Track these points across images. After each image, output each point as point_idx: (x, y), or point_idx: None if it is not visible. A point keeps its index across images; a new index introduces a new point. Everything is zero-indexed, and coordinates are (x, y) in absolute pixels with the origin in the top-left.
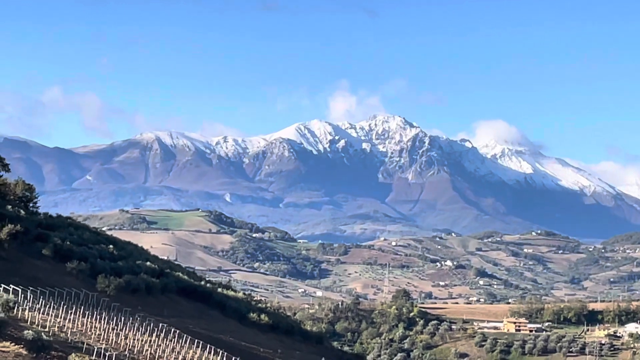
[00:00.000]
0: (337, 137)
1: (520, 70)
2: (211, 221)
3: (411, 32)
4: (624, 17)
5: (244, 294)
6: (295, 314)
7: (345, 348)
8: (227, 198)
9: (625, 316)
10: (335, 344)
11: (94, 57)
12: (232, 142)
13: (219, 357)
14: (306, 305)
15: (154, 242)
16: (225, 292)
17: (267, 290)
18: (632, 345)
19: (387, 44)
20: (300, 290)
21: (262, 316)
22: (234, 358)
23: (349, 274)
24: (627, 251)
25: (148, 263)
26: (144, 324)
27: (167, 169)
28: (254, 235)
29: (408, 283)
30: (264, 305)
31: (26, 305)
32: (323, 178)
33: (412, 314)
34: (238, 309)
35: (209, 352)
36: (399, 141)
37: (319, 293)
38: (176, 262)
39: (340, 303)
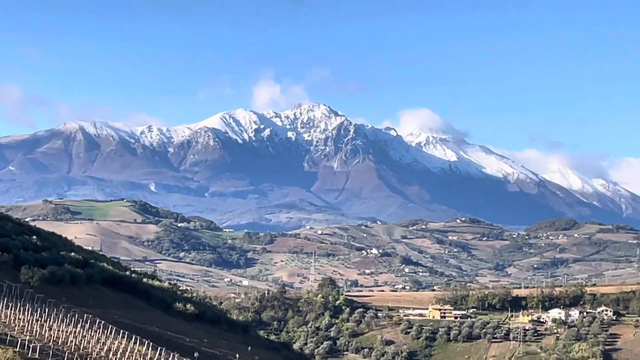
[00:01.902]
0: (262, 126)
1: (444, 59)
2: (136, 211)
3: (335, 20)
4: (542, 4)
5: (170, 283)
6: (221, 303)
7: (272, 337)
8: (152, 188)
9: (549, 302)
10: (261, 332)
11: (14, 47)
12: (157, 132)
13: (144, 348)
14: (232, 295)
15: (78, 233)
16: (150, 282)
17: (193, 279)
18: (555, 331)
19: (311, 32)
20: (226, 280)
21: (188, 306)
22: (159, 348)
23: (275, 262)
24: (550, 238)
25: (72, 254)
26: (69, 315)
27: (91, 159)
28: (179, 224)
29: (334, 271)
30: (189, 295)
31: None
32: (248, 167)
33: (338, 302)
34: (164, 299)
35: (135, 343)
36: (324, 130)
37: (245, 282)
38: (101, 253)
39: (266, 292)
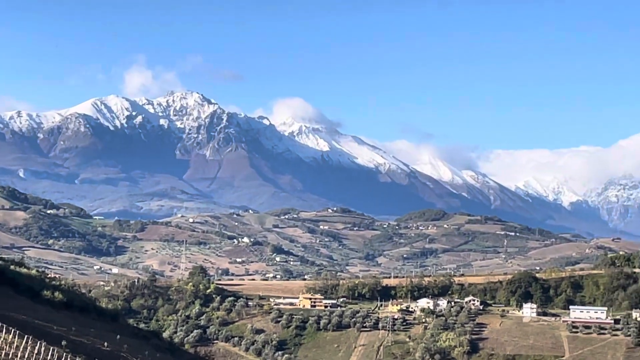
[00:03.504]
0: (134, 113)
1: (317, 49)
2: (4, 197)
3: (208, 7)
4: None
5: (38, 271)
6: (90, 291)
7: (141, 325)
8: (21, 174)
9: (418, 291)
10: (131, 321)
11: None
12: (26, 117)
13: (10, 336)
14: (102, 283)
15: None
16: (17, 269)
17: (62, 267)
18: (423, 320)
19: (183, 19)
20: (95, 267)
21: (56, 293)
22: (26, 336)
23: (146, 250)
24: (420, 228)
25: None
26: None
27: None
28: (48, 211)
29: (205, 260)
30: (58, 283)
31: None
32: (120, 154)
33: (208, 291)
34: (31, 287)
35: (0, 331)
36: (197, 118)
37: (115, 270)
38: None
39: (136, 280)
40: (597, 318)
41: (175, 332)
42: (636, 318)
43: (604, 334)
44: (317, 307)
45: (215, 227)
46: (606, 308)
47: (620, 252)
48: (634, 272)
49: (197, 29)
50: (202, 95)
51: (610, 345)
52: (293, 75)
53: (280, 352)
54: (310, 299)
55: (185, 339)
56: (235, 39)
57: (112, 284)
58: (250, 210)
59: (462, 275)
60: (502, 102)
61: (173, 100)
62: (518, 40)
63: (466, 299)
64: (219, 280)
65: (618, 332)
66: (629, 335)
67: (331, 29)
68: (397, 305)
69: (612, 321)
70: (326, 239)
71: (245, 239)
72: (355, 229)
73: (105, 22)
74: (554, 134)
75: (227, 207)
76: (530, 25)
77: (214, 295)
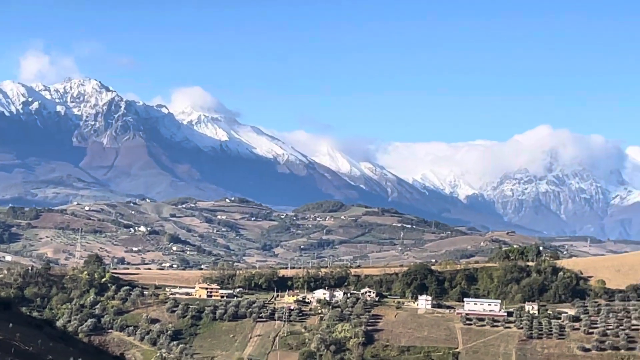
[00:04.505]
0: (30, 99)
1: (217, 39)
2: None
3: None
4: None
5: None
6: None
7: (35, 314)
8: None
9: (314, 282)
10: (24, 309)
11: None
12: None
13: None
14: None
15: None
16: None
17: None
18: (319, 311)
19: (81, 3)
20: None
21: None
22: None
23: (40, 238)
24: (318, 219)
25: None
26: None
27: None
28: None
29: (101, 248)
30: None
31: None
32: (15, 141)
33: (104, 280)
34: None
35: None
36: (95, 105)
37: (9, 258)
38: None
39: (30, 268)
40: (490, 310)
41: (69, 321)
42: (529, 311)
43: (497, 326)
44: (213, 297)
45: (112, 215)
46: (500, 301)
47: (515, 246)
48: (528, 266)
49: (95, 15)
50: (100, 82)
51: (503, 338)
52: (192, 64)
53: (175, 342)
54: (206, 288)
55: (79, 328)
56: (133, 26)
57: (5, 272)
58: (147, 199)
59: (359, 266)
60: (400, 95)
61: (70, 87)
62: (416, 31)
63: (362, 291)
64: (115, 269)
65: (511, 325)
66: (522, 328)
67: (231, 19)
68: (293, 296)
69: (506, 314)
70: (223, 229)
71: (142, 228)
72: (252, 219)
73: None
74: (451, 127)
75: (124, 195)
76: (427, 15)
77: (109, 284)
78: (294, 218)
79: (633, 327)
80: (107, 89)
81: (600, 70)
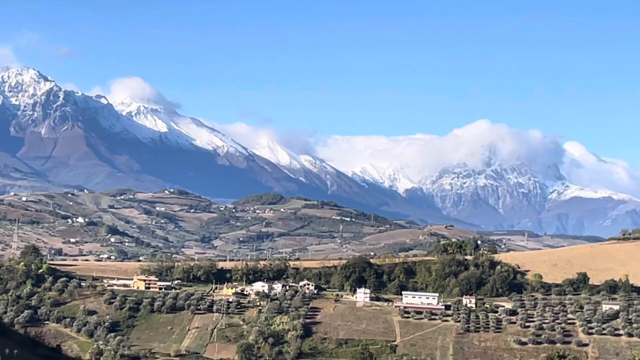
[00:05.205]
0: None
1: (156, 29)
2: None
3: None
4: None
5: None
6: None
7: None
8: None
9: (253, 275)
10: None
11: None
12: None
13: None
14: None
15: None
16: None
17: None
18: (258, 304)
19: None
20: None
21: None
22: None
23: None
24: (257, 211)
25: None
26: None
27: None
28: None
29: (38, 239)
30: None
31: None
32: None
33: (40, 271)
34: None
35: None
36: (33, 95)
37: None
38: None
39: None
40: (428, 304)
41: (5, 312)
42: (466, 304)
43: (434, 319)
44: (151, 289)
45: (49, 206)
46: (438, 294)
47: (453, 239)
48: (466, 259)
49: (33, 4)
50: (38, 72)
51: (440, 331)
52: (132, 54)
53: (112, 334)
54: (144, 280)
55: (16, 319)
56: (72, 16)
57: None
58: (85, 190)
59: (298, 259)
60: (340, 88)
61: (8, 76)
62: (355, 28)
63: (301, 283)
64: (52, 260)
65: (448, 318)
66: (459, 321)
67: (171, 10)
68: (232, 288)
69: (443, 307)
70: (162, 221)
71: (80, 219)
72: (192, 211)
73: None
74: (391, 121)
75: (62, 186)
76: (366, 12)
77: (46, 276)
78: (233, 210)
79: (569, 321)
80: (46, 79)
81: (537, 66)
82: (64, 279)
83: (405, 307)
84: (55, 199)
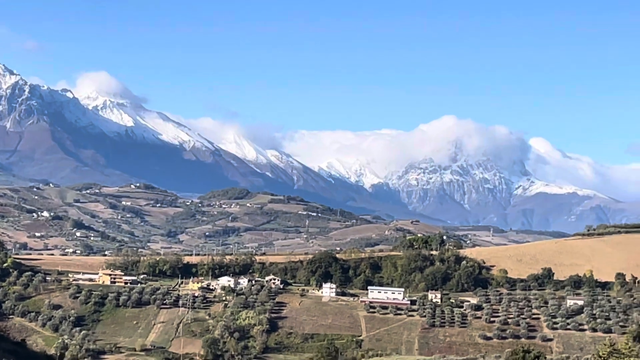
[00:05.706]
0: None
1: (123, 23)
2: None
3: None
4: None
5: None
6: None
7: None
8: None
9: (219, 269)
10: None
11: None
12: None
13: None
14: None
15: None
16: None
17: None
18: (224, 298)
19: None
20: None
21: None
22: None
23: None
24: (223, 206)
25: None
26: None
27: None
28: None
29: (3, 233)
30: None
31: None
32: None
33: (5, 265)
34: None
35: None
36: None
37: None
38: None
39: None
40: (394, 299)
41: None
42: (432, 299)
43: (400, 314)
44: (117, 284)
45: (14, 200)
46: (403, 289)
47: (419, 235)
48: (431, 255)
49: None
50: (3, 65)
51: (406, 326)
52: (98, 48)
53: (78, 329)
54: (110, 275)
55: None
56: (38, 10)
57: None
58: (51, 184)
59: (264, 254)
60: (307, 84)
61: None
62: (321, 25)
63: (267, 278)
64: (17, 254)
65: (414, 313)
66: (425, 316)
67: (138, 4)
68: (198, 283)
69: (409, 302)
70: (128, 215)
71: (45, 213)
72: (157, 205)
73: None
74: (357, 116)
75: (27, 180)
76: (333, 9)
77: (10, 270)
78: (200, 205)
79: (534, 316)
80: (11, 72)
81: (503, 62)
82: (29, 273)
83: (371, 302)
84: (20, 193)
